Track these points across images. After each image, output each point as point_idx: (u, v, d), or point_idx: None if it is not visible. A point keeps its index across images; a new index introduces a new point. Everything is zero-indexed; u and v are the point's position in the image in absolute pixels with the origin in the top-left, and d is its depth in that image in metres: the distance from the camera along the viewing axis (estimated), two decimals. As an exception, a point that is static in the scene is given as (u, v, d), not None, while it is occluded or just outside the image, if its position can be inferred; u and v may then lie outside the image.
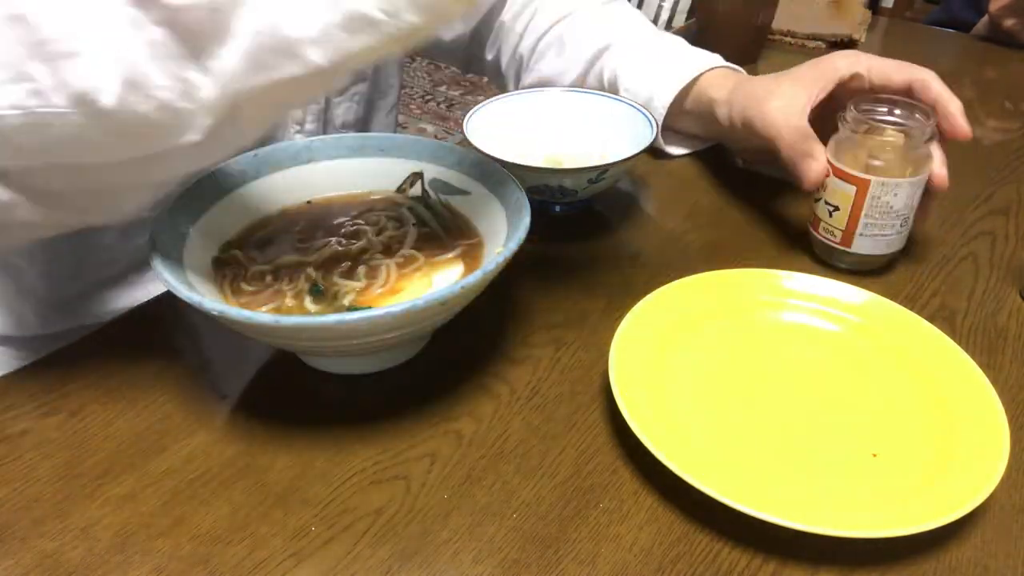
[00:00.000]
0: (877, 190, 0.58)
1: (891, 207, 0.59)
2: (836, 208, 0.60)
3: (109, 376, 0.53)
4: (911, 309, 0.55)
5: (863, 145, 0.58)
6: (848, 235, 0.61)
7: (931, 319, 0.55)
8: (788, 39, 1.09)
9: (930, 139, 0.58)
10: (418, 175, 0.60)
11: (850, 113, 0.59)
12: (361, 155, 0.60)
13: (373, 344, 0.47)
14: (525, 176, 0.63)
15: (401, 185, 0.60)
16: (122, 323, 0.58)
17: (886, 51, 1.08)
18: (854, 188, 0.59)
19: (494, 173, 0.56)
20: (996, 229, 0.69)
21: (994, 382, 0.49)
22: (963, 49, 1.10)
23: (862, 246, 0.61)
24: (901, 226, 0.60)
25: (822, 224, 0.62)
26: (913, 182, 0.58)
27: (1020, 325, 0.58)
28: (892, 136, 0.58)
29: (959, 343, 0.52)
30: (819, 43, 1.08)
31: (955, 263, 0.65)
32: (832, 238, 0.62)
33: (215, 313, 0.43)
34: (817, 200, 0.62)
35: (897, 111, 0.60)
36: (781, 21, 1.07)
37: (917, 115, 0.59)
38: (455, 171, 0.59)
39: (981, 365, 0.50)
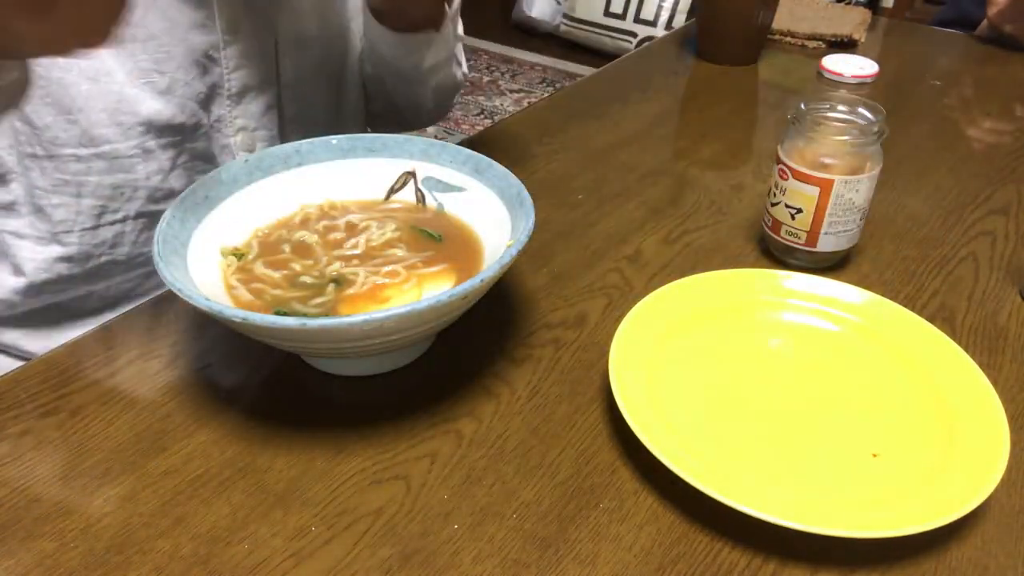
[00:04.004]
0: (841, 188, 0.58)
1: (853, 203, 0.59)
2: (799, 210, 0.60)
3: (109, 376, 0.53)
4: (911, 309, 0.55)
5: (820, 144, 0.58)
6: (813, 236, 0.61)
7: (931, 319, 0.55)
8: (788, 39, 1.09)
9: (880, 134, 0.58)
10: (410, 174, 0.60)
11: (802, 114, 0.59)
12: (351, 156, 0.60)
13: (386, 344, 0.47)
14: None
15: (393, 185, 0.60)
16: (122, 323, 0.58)
17: (886, 51, 1.09)
18: (817, 189, 0.58)
19: (489, 168, 0.56)
20: (996, 229, 0.69)
21: (994, 382, 0.49)
22: (963, 49, 1.10)
23: (827, 244, 0.61)
24: (860, 220, 0.61)
25: (784, 227, 0.62)
26: (872, 176, 0.59)
27: (1020, 325, 0.58)
28: (847, 134, 0.58)
29: (959, 343, 0.52)
30: (819, 43, 1.08)
31: (955, 263, 0.65)
32: (796, 240, 0.62)
33: (237, 320, 0.42)
34: (775, 204, 0.62)
35: (842, 108, 0.60)
36: (781, 21, 1.07)
37: (861, 109, 0.59)
38: (449, 168, 0.58)
39: (981, 365, 0.50)
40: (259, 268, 0.53)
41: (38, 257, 0.67)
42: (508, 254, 0.46)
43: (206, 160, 0.70)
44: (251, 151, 0.71)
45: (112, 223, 0.68)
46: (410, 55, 0.77)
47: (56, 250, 0.67)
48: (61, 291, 0.69)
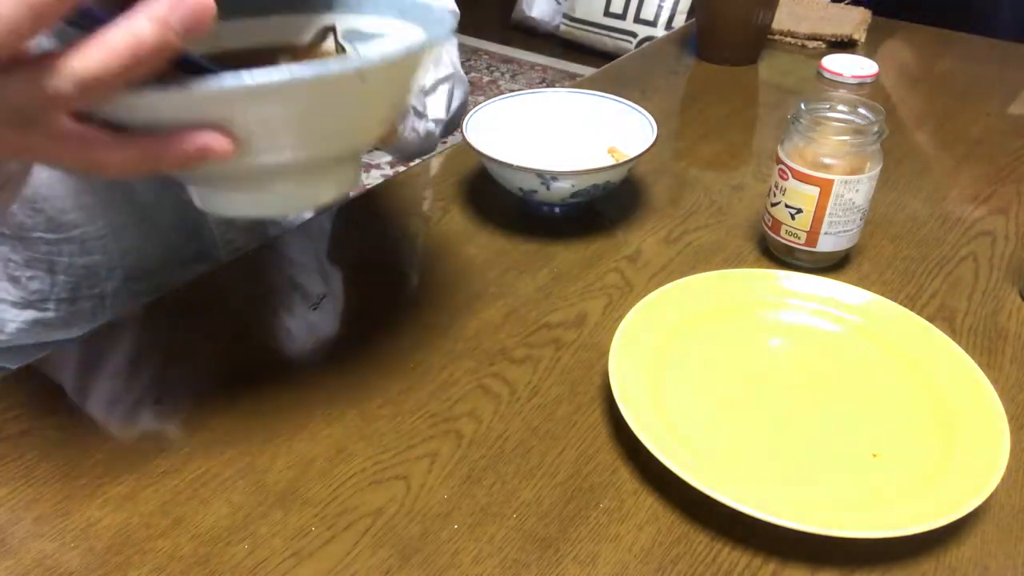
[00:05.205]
0: (840, 188, 0.58)
1: (853, 203, 0.59)
2: (799, 211, 0.60)
3: (109, 376, 0.53)
4: (911, 309, 0.55)
5: (820, 145, 0.58)
6: (813, 236, 0.61)
7: (931, 319, 0.55)
8: (788, 39, 1.09)
9: (879, 134, 0.58)
10: (329, 29, 0.53)
11: (802, 114, 0.59)
12: (267, 13, 0.53)
13: (276, 158, 0.38)
14: (516, 177, 0.63)
15: (312, 40, 0.53)
16: (121, 323, 0.58)
17: (886, 51, 1.09)
18: (817, 189, 0.58)
19: (413, 7, 0.49)
20: (996, 229, 0.69)
21: (994, 382, 0.49)
22: (962, 49, 1.10)
23: (827, 244, 0.61)
24: (860, 220, 0.61)
25: (784, 228, 0.62)
26: (872, 176, 0.59)
27: (1020, 325, 0.58)
28: (847, 134, 0.58)
29: (959, 343, 0.52)
30: (819, 43, 1.08)
31: (955, 263, 0.65)
32: (796, 240, 0.62)
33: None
34: (775, 204, 0.62)
35: (842, 108, 0.60)
36: (781, 21, 1.07)
37: (861, 109, 0.59)
38: (371, 16, 0.51)
39: (981, 365, 0.50)
40: None
41: (17, 319, 0.66)
42: (419, 42, 0.40)
43: (181, 229, 0.68)
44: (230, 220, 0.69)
45: (90, 296, 0.67)
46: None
47: (33, 314, 0.66)
48: (46, 340, 0.69)
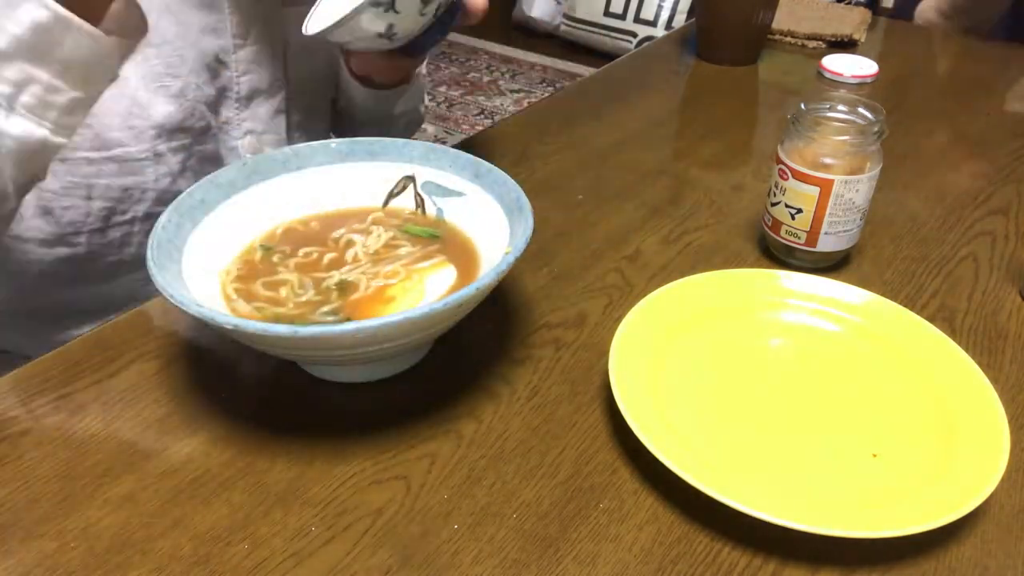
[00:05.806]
0: (840, 188, 0.58)
1: (853, 203, 0.59)
2: (799, 210, 0.60)
3: (109, 376, 0.53)
4: (911, 309, 0.55)
5: (820, 145, 0.58)
6: (813, 235, 0.61)
7: (931, 319, 0.55)
8: (788, 39, 1.09)
9: (879, 134, 0.58)
10: (410, 179, 0.60)
11: (802, 114, 0.59)
12: (351, 159, 0.60)
13: (382, 352, 0.47)
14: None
15: (392, 189, 0.60)
16: (122, 324, 0.58)
17: (886, 51, 1.09)
18: (817, 189, 0.59)
19: (489, 173, 0.56)
20: (996, 229, 0.69)
21: (994, 382, 0.49)
22: (962, 49, 1.10)
23: (827, 244, 0.61)
24: (860, 220, 0.61)
25: (784, 227, 0.62)
26: (872, 176, 0.59)
27: (1020, 325, 0.58)
28: (847, 134, 0.58)
29: (959, 343, 0.52)
30: (819, 43, 1.08)
31: (955, 263, 0.65)
32: (796, 240, 0.62)
33: (229, 327, 0.43)
34: (775, 204, 0.62)
35: (842, 108, 0.60)
36: (781, 21, 1.07)
37: (861, 109, 0.59)
38: (448, 173, 0.58)
39: (981, 365, 0.50)
40: (258, 287, 0.53)
41: (45, 258, 0.67)
42: (505, 261, 0.46)
43: (214, 163, 0.71)
44: (258, 153, 0.71)
45: (120, 224, 0.68)
46: (382, 104, 0.79)
47: (63, 251, 0.67)
48: (66, 289, 0.69)
